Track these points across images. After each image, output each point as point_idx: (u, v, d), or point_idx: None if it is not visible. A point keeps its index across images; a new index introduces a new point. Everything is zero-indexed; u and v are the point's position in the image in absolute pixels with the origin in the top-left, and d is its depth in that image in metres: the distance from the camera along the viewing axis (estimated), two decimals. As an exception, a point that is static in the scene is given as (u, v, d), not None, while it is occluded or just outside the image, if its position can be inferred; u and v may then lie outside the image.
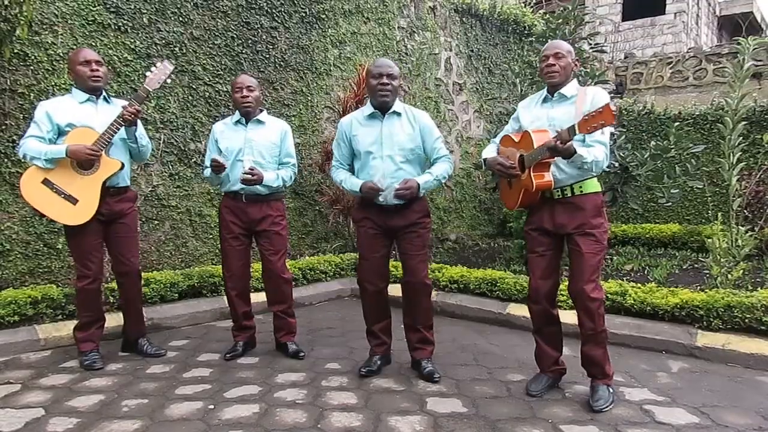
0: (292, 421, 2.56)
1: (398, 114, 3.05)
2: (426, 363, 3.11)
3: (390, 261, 3.22)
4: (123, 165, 3.18)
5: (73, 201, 3.07)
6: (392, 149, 2.99)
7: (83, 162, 3.06)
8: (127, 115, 3.07)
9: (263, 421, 2.56)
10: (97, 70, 3.14)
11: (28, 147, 3.05)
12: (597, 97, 2.66)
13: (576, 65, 2.81)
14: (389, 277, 3.22)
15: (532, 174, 2.64)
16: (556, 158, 2.59)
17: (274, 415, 2.61)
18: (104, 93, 3.26)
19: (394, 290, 3.24)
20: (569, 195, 2.71)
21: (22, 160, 4.08)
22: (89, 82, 3.13)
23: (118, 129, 3.10)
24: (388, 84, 2.95)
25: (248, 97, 3.34)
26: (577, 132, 2.41)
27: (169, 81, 3.32)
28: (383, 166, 2.98)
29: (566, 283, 3.19)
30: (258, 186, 3.33)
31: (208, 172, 3.43)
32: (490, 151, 3.00)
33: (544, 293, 2.84)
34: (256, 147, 3.38)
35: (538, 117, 2.81)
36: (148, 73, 3.23)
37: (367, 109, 3.08)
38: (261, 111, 3.49)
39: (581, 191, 2.70)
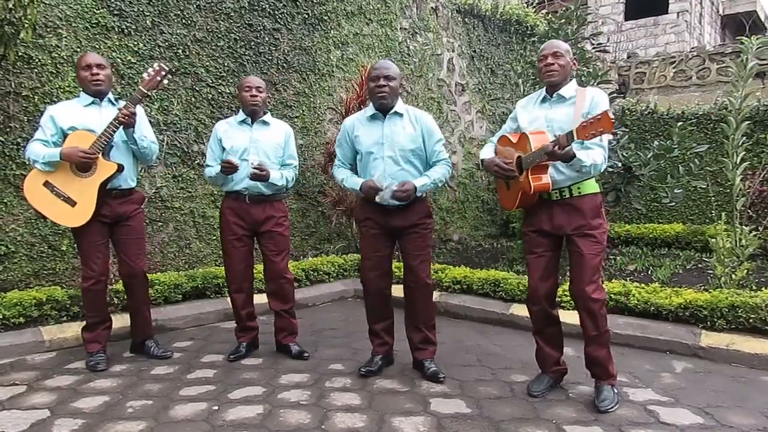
0: (296, 421, 2.56)
1: (400, 115, 3.06)
2: (429, 363, 3.11)
3: (393, 261, 3.23)
4: (121, 167, 3.18)
5: (72, 203, 3.10)
6: (393, 150, 3.00)
7: (79, 165, 3.09)
8: (121, 117, 3.08)
9: (267, 422, 2.56)
10: (98, 74, 3.17)
11: (31, 150, 3.11)
12: (597, 98, 2.66)
13: (574, 65, 2.80)
14: (392, 276, 3.23)
15: (530, 176, 2.63)
16: (554, 161, 2.59)
17: (278, 416, 2.62)
18: (110, 96, 3.29)
19: (397, 291, 3.24)
20: (567, 196, 2.70)
21: (27, 163, 4.13)
22: (90, 86, 3.18)
23: (114, 131, 3.11)
24: (385, 86, 2.95)
25: (257, 96, 3.37)
26: (575, 138, 2.40)
27: (165, 82, 3.35)
28: (384, 166, 3.00)
29: (566, 284, 3.20)
30: (261, 186, 3.34)
31: (212, 171, 3.41)
32: (487, 152, 2.98)
33: (544, 294, 2.83)
34: (261, 147, 3.40)
35: (537, 117, 2.79)
36: (144, 75, 3.25)
37: (370, 110, 3.10)
38: (266, 113, 3.50)
39: (579, 192, 2.69)
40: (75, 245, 4.36)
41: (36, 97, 4.17)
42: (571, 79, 2.80)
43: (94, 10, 4.42)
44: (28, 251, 4.21)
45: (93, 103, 3.22)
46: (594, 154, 2.59)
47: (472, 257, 6.35)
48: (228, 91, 5.25)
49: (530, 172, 2.63)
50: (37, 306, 3.66)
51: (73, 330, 3.65)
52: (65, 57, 4.27)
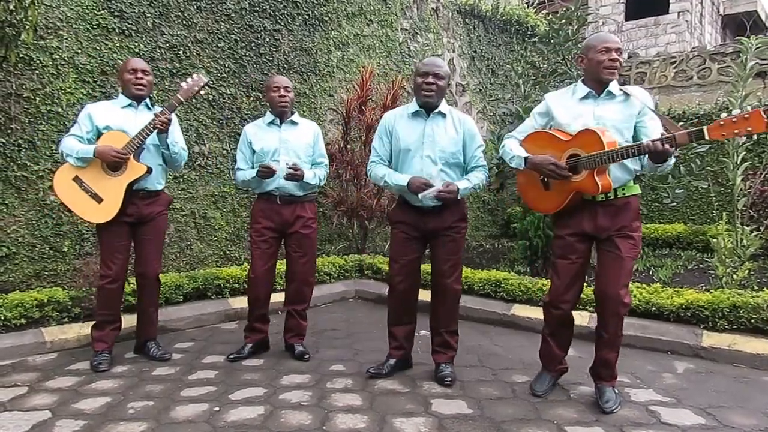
0: (297, 422, 2.56)
1: (443, 115, 3.00)
2: (444, 366, 3.07)
3: (421, 264, 3.16)
4: (150, 170, 3.24)
5: (98, 200, 3.18)
6: (433, 150, 2.95)
7: (110, 163, 3.17)
8: (157, 122, 3.16)
9: (268, 422, 2.56)
10: (142, 79, 3.26)
11: (66, 144, 3.19)
12: (642, 96, 2.64)
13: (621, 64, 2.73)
14: (420, 281, 3.17)
15: (596, 176, 2.54)
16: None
17: (280, 417, 2.62)
18: (147, 100, 3.36)
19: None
20: (613, 197, 2.65)
21: (31, 164, 4.13)
22: (133, 89, 3.27)
23: (148, 135, 3.18)
24: (433, 83, 2.89)
25: (285, 97, 3.38)
26: (707, 137, 2.28)
27: (202, 92, 3.45)
28: (423, 165, 2.93)
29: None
30: (293, 186, 3.35)
31: (245, 174, 3.41)
32: (519, 149, 2.81)
33: (570, 299, 2.79)
34: (292, 147, 3.41)
35: (581, 114, 2.67)
36: (182, 84, 3.33)
37: (412, 106, 3.02)
38: (293, 112, 3.51)
39: (624, 194, 2.66)
40: (78, 246, 4.41)
41: (37, 98, 4.17)
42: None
43: (95, 12, 4.43)
44: (30, 252, 4.21)
45: (130, 105, 3.30)
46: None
47: (473, 257, 6.35)
48: (229, 93, 5.26)
49: (596, 172, 2.54)
50: (38, 307, 3.66)
51: (74, 331, 3.65)
52: (66, 58, 4.28)
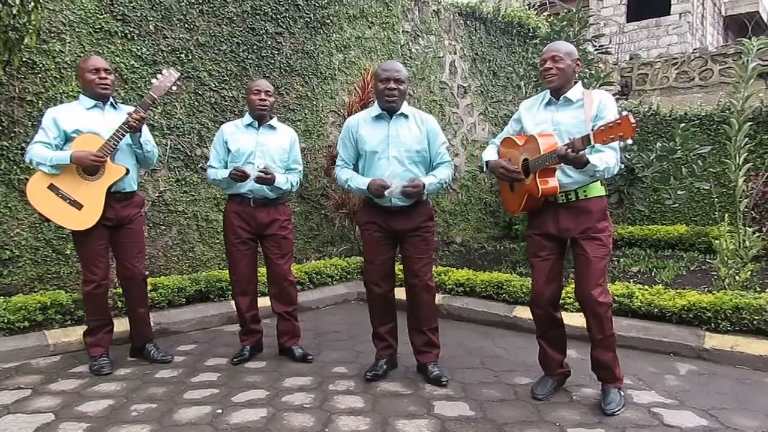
0: (299, 425, 2.57)
1: (406, 116, 3.06)
2: (432, 367, 3.11)
3: (395, 263, 3.23)
4: (128, 171, 3.20)
5: (78, 206, 3.09)
6: (399, 150, 3.00)
7: (88, 168, 3.09)
8: (132, 121, 3.09)
9: (271, 425, 2.57)
10: (106, 78, 3.18)
11: (35, 153, 3.08)
12: (604, 101, 2.65)
13: (578, 67, 2.76)
14: (395, 279, 3.22)
15: (537, 179, 2.62)
16: (564, 165, 2.57)
17: (282, 419, 2.62)
18: (111, 99, 3.29)
19: (401, 293, 3.24)
20: (573, 199, 2.69)
21: (30, 166, 4.15)
22: (97, 89, 3.17)
23: (124, 135, 3.12)
24: (395, 89, 2.96)
25: (265, 101, 3.38)
26: (592, 143, 2.37)
27: (174, 88, 3.36)
28: (389, 166, 2.99)
29: (571, 287, 3.20)
30: (266, 189, 3.35)
31: (217, 173, 3.40)
32: (491, 154, 2.98)
33: (548, 297, 2.83)
34: (268, 151, 3.41)
35: (543, 120, 2.77)
36: (153, 80, 3.26)
37: (375, 110, 3.08)
38: (272, 117, 3.52)
39: (586, 195, 2.69)
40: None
41: (40, 101, 4.19)
42: (576, 82, 2.78)
43: (98, 16, 4.45)
44: (33, 255, 4.23)
45: (96, 106, 3.22)
46: (606, 156, 2.57)
47: (475, 259, 6.35)
48: (231, 95, 5.27)
49: (538, 174, 2.62)
50: (41, 310, 3.67)
51: (77, 334, 3.66)
52: (69, 62, 4.29)
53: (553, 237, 2.78)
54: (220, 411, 2.72)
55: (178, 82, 3.56)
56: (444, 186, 3.13)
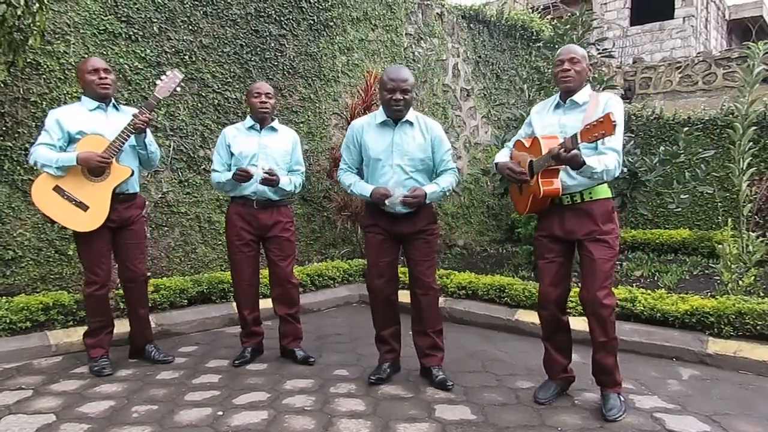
0: (300, 427, 2.56)
1: (411, 123, 3.03)
2: (437, 371, 3.09)
3: (399, 266, 3.22)
4: (133, 172, 3.22)
5: (84, 207, 3.10)
6: (402, 158, 2.99)
7: (94, 169, 3.10)
8: (137, 123, 3.11)
9: (272, 427, 2.56)
10: (106, 78, 3.19)
11: (39, 154, 3.08)
12: (610, 102, 2.64)
13: (590, 71, 2.78)
14: (398, 282, 3.21)
15: (540, 180, 2.64)
16: (565, 165, 2.57)
17: (283, 422, 2.62)
18: (113, 100, 3.31)
19: (403, 296, 3.24)
20: (579, 201, 2.69)
21: (34, 168, 4.16)
22: (98, 89, 3.18)
23: (129, 137, 3.14)
24: (401, 99, 2.92)
25: (267, 103, 3.39)
26: (579, 141, 2.40)
27: (179, 89, 3.37)
28: (393, 174, 2.98)
29: (575, 290, 3.19)
30: (269, 191, 3.36)
31: (220, 177, 3.41)
32: (502, 156, 3.01)
33: (554, 300, 2.82)
34: (270, 153, 3.42)
35: (551, 123, 2.80)
36: (158, 82, 3.27)
37: (380, 115, 3.06)
38: (274, 119, 3.53)
39: (591, 197, 2.68)
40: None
41: (44, 102, 4.20)
42: (585, 85, 2.77)
43: (102, 17, 4.46)
44: (35, 256, 4.23)
45: (98, 107, 3.23)
46: (607, 159, 2.57)
47: (477, 263, 6.34)
48: (234, 97, 5.28)
49: (540, 176, 2.63)
50: (43, 310, 3.68)
51: (79, 334, 3.66)
52: (73, 63, 4.30)
53: (559, 239, 2.77)
54: (221, 413, 2.72)
55: (182, 84, 3.57)
56: (447, 193, 3.12)
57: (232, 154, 3.41)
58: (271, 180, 3.27)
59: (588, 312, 2.69)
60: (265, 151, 3.41)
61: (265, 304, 3.91)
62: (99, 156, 3.05)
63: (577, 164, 2.50)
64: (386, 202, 2.91)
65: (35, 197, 3.11)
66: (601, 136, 2.33)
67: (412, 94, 3.00)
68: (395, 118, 3.01)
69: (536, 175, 2.65)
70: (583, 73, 2.72)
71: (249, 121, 3.47)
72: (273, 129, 3.49)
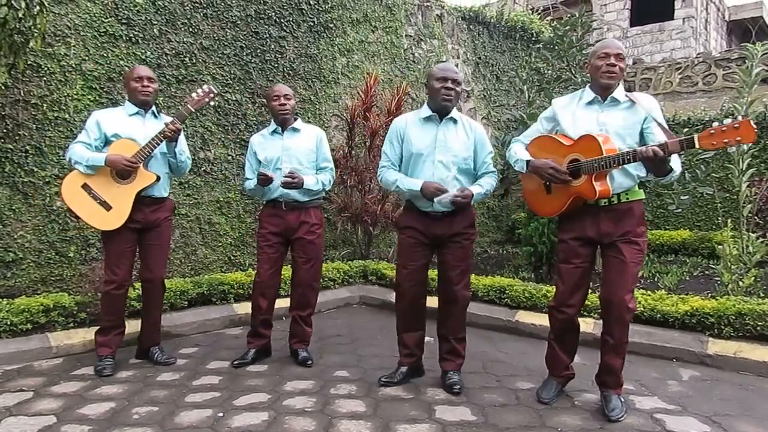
0: (301, 428, 2.56)
1: (455, 121, 2.99)
2: (452, 374, 3.06)
3: (429, 269, 3.13)
4: (159, 178, 3.29)
5: (107, 207, 3.20)
6: (445, 155, 2.94)
7: (121, 171, 3.21)
8: (168, 132, 3.21)
9: (272, 428, 2.56)
10: (148, 86, 3.32)
11: (74, 151, 3.21)
12: (651, 104, 2.63)
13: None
14: (427, 287, 3.14)
15: (594, 181, 2.55)
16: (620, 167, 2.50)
17: (283, 423, 2.62)
18: (154, 108, 3.41)
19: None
20: (616, 202, 2.64)
21: (42, 171, 4.17)
22: (139, 96, 3.31)
23: (158, 144, 3.23)
24: (452, 89, 2.89)
25: (286, 105, 3.42)
26: (697, 145, 2.28)
27: (213, 104, 3.45)
28: (434, 170, 2.93)
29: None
30: (296, 193, 3.38)
31: (251, 183, 3.48)
32: (524, 153, 2.86)
33: (574, 303, 2.78)
34: (294, 154, 3.44)
35: (587, 120, 2.69)
36: (193, 95, 3.38)
37: (425, 111, 3.01)
38: (296, 119, 3.55)
39: (627, 198, 2.65)
40: (84, 251, 4.43)
41: (44, 105, 4.21)
42: (619, 83, 2.72)
43: (103, 19, 4.47)
44: (36, 258, 4.24)
45: (138, 113, 3.35)
46: (676, 162, 2.54)
47: (478, 264, 6.34)
48: (234, 99, 5.29)
49: (594, 177, 2.56)
50: (44, 312, 3.68)
51: (80, 336, 3.67)
52: (74, 65, 4.32)
53: (589, 242, 2.72)
54: (221, 414, 2.72)
55: (217, 99, 3.65)
56: (487, 196, 3.07)
57: (259, 162, 3.46)
58: (292, 182, 3.28)
59: (611, 314, 2.64)
60: (288, 153, 3.43)
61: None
62: (126, 160, 3.16)
63: (665, 168, 2.43)
64: (435, 200, 2.82)
65: (64, 191, 3.22)
66: (736, 143, 2.22)
67: (460, 90, 2.97)
68: (443, 110, 2.95)
69: (588, 175, 2.56)
70: (624, 72, 2.66)
71: (272, 125, 3.52)
72: (295, 129, 3.51)
